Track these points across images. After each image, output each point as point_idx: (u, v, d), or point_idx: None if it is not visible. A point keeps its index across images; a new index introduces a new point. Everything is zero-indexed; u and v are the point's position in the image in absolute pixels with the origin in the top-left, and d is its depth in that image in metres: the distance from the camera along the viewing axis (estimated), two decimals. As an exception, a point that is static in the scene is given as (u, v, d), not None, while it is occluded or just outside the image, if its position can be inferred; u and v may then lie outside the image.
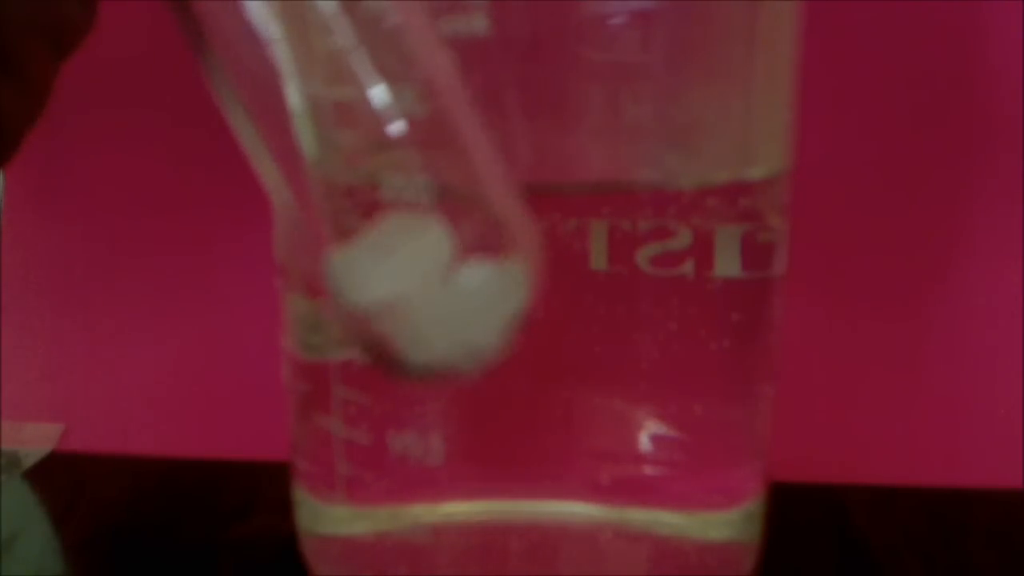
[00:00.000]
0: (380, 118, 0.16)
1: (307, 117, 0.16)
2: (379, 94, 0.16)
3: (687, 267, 0.22)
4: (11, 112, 0.16)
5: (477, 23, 0.19)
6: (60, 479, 0.33)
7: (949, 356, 0.32)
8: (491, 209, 0.16)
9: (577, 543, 0.24)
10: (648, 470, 0.24)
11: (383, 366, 0.17)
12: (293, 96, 0.16)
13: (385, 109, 0.16)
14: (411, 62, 0.16)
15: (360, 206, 0.17)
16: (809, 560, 0.28)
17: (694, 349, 0.23)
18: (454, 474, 0.23)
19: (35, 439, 0.35)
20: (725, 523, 0.24)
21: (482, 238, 0.16)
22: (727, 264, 0.22)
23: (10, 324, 0.34)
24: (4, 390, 0.34)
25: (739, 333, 0.23)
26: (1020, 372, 0.32)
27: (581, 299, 0.22)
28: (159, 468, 0.33)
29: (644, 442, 0.23)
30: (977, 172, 0.31)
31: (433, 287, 0.16)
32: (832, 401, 0.33)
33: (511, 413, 0.22)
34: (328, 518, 0.24)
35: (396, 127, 0.16)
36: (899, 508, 0.31)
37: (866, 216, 0.32)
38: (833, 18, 0.30)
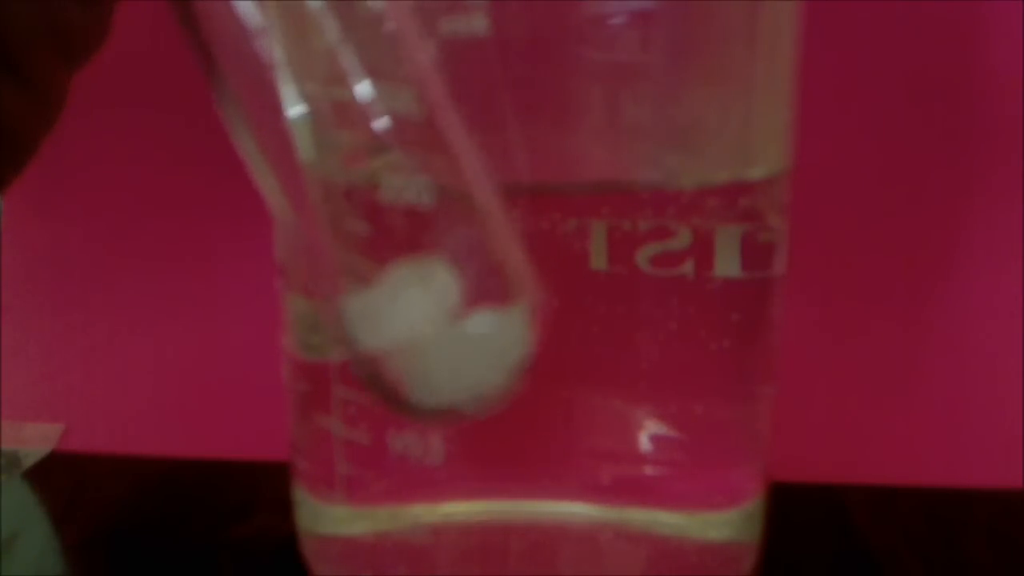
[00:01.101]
0: (378, 119, 0.16)
1: (305, 118, 0.16)
2: (372, 94, 0.16)
3: (687, 267, 0.22)
4: (17, 115, 0.16)
5: (477, 23, 0.19)
6: (60, 479, 0.33)
7: (949, 356, 0.32)
8: (481, 215, 0.17)
9: (577, 543, 0.24)
10: (648, 470, 0.24)
11: (392, 407, 0.17)
12: (290, 97, 0.16)
13: (381, 109, 0.16)
14: (406, 64, 0.16)
15: (359, 207, 0.17)
16: (809, 560, 0.28)
17: (694, 349, 0.23)
18: (454, 474, 0.23)
19: (35, 439, 0.35)
20: (725, 523, 0.24)
21: (488, 283, 0.17)
22: (727, 264, 0.22)
23: (10, 324, 0.34)
24: (4, 390, 0.34)
25: (739, 333, 0.23)
26: (1020, 372, 0.32)
27: (581, 299, 0.22)
28: (159, 468, 0.33)
29: (644, 442, 0.23)
30: (977, 172, 0.31)
31: (441, 331, 0.16)
32: (832, 401, 0.33)
33: (511, 413, 0.22)
34: (328, 518, 0.24)
35: (390, 127, 0.16)
36: (899, 508, 0.31)
37: (866, 216, 0.32)
38: (833, 18, 0.30)
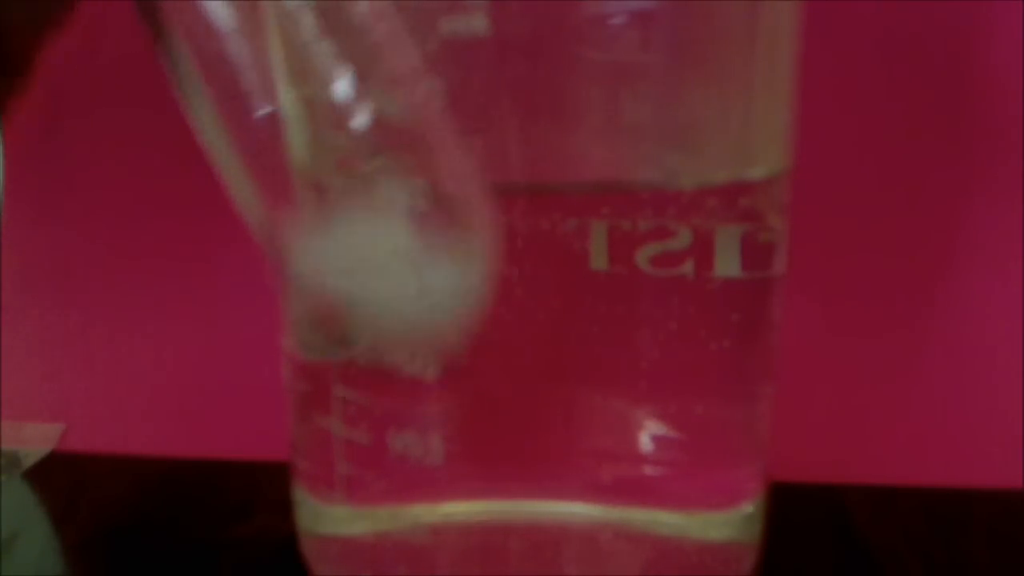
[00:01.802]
0: (375, 120, 0.16)
1: (299, 120, 0.16)
2: (355, 92, 0.16)
3: (687, 267, 0.22)
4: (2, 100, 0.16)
5: (477, 23, 0.19)
6: (60, 479, 0.33)
7: (949, 356, 0.32)
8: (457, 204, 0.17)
9: (577, 543, 0.24)
10: (648, 470, 0.24)
11: (334, 345, 0.17)
12: (285, 99, 0.16)
13: (379, 110, 0.16)
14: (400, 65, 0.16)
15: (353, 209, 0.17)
16: (809, 560, 0.28)
17: (694, 349, 0.23)
18: (454, 474, 0.23)
19: (35, 439, 0.35)
20: (725, 523, 0.24)
21: (443, 230, 0.16)
22: (727, 264, 0.22)
23: (10, 324, 0.34)
24: (4, 390, 0.34)
25: (739, 333, 0.23)
26: (1020, 372, 0.32)
27: (581, 299, 0.22)
28: (159, 468, 0.33)
29: (644, 442, 0.23)
30: (977, 172, 0.31)
31: (391, 270, 0.16)
32: (832, 401, 0.33)
33: (511, 413, 0.22)
34: (328, 518, 0.24)
35: (385, 127, 0.16)
36: (899, 508, 0.31)
37: (866, 216, 0.32)
38: (833, 18, 0.30)
